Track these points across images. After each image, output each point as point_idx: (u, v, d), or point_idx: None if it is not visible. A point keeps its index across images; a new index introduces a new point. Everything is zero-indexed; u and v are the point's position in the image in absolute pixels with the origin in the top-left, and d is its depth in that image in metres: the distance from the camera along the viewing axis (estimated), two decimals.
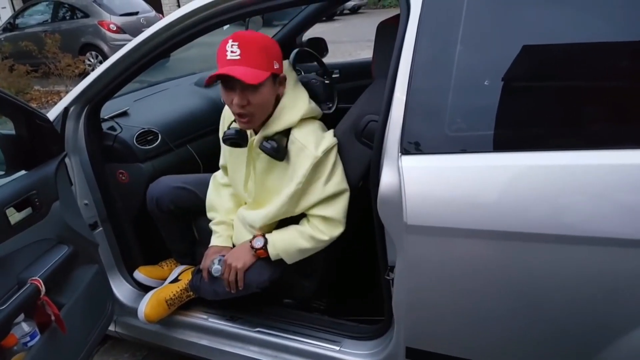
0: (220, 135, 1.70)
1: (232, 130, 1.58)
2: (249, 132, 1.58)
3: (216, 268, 1.63)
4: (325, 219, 1.53)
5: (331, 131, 1.60)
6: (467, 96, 1.18)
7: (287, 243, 1.58)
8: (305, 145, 1.49)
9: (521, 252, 1.13)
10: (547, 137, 1.13)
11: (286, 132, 1.53)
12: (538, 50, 1.15)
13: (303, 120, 1.54)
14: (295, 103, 1.54)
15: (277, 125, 1.51)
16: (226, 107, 1.71)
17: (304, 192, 1.51)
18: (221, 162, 1.82)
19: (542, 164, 1.09)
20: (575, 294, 1.13)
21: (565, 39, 1.14)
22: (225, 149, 1.74)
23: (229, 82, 1.42)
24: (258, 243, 1.59)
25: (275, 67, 1.45)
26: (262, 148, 1.51)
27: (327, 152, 1.49)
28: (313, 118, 1.59)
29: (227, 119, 1.70)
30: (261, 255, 1.60)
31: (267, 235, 1.60)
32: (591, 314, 1.14)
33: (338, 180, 1.52)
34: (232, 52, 1.38)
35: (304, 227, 1.57)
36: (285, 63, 1.54)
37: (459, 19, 1.16)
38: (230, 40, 1.40)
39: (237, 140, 1.57)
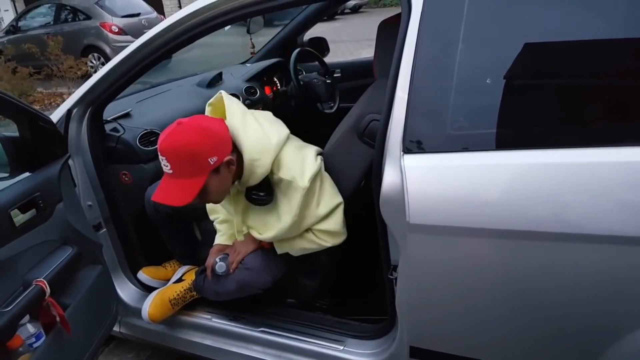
0: None
1: None
2: None
3: (220, 265, 1.64)
4: (326, 232, 1.55)
5: (310, 148, 1.59)
6: (469, 94, 1.18)
7: (290, 242, 1.60)
8: (291, 180, 1.46)
9: (524, 251, 1.13)
10: (549, 134, 1.13)
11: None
12: (539, 48, 1.15)
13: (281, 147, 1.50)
14: (260, 153, 1.45)
15: (253, 179, 1.48)
16: None
17: (302, 218, 1.51)
18: None
19: (544, 162, 1.09)
20: (577, 292, 1.13)
21: (566, 37, 1.14)
22: None
23: None
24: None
25: (211, 163, 1.37)
26: (252, 201, 1.52)
27: (315, 179, 1.49)
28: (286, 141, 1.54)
29: None
30: (265, 246, 1.64)
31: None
32: (594, 312, 1.13)
33: (328, 199, 1.53)
34: (164, 165, 1.39)
35: (308, 233, 1.58)
36: (227, 100, 1.51)
37: (461, 17, 1.16)
38: (159, 154, 1.38)
39: None
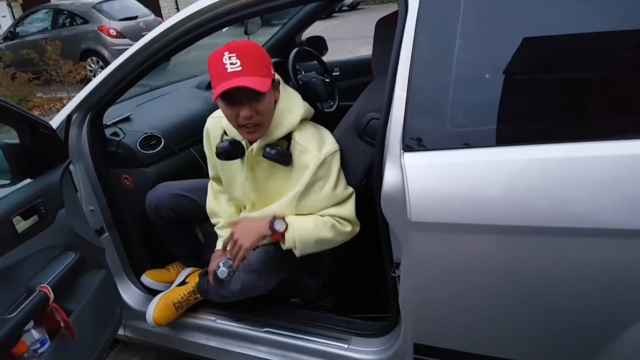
0: (207, 150, 1.69)
1: (225, 142, 1.54)
2: (244, 142, 1.55)
3: (222, 271, 1.63)
4: (343, 218, 1.54)
5: (329, 133, 1.59)
6: (467, 91, 1.18)
7: (308, 230, 1.51)
8: (308, 148, 1.49)
9: (526, 246, 1.13)
10: (549, 129, 1.13)
11: (286, 137, 1.52)
12: (537, 43, 1.15)
13: (301, 121, 1.53)
14: (292, 105, 1.53)
15: (279, 131, 1.50)
16: (209, 122, 1.69)
17: (308, 194, 1.51)
18: (211, 174, 1.80)
19: (545, 157, 1.09)
20: (580, 286, 1.13)
21: (563, 31, 1.14)
22: (216, 162, 1.69)
23: (232, 95, 1.39)
24: (279, 226, 1.51)
25: (272, 72, 1.44)
26: (267, 155, 1.49)
27: (331, 156, 1.49)
28: (306, 119, 1.58)
29: (212, 134, 1.67)
30: (273, 240, 1.55)
31: (288, 219, 1.53)
32: (596, 306, 1.13)
33: (343, 188, 1.54)
34: (231, 63, 1.35)
35: (325, 217, 1.53)
36: None
37: (458, 13, 1.16)
38: (226, 53, 1.36)
39: (232, 152, 1.54)
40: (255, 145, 1.52)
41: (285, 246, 1.53)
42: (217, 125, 1.63)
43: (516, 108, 1.16)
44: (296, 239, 1.51)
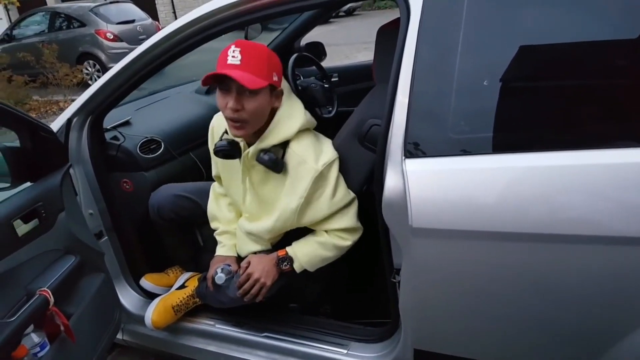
0: (211, 147, 1.69)
1: (223, 141, 1.55)
2: (242, 143, 1.56)
3: (219, 277, 1.63)
4: (343, 230, 1.55)
5: (330, 143, 1.60)
6: (469, 98, 1.19)
7: (310, 257, 1.59)
8: (305, 160, 1.49)
9: (526, 253, 1.14)
10: (549, 137, 1.14)
11: (283, 145, 1.52)
12: (539, 52, 1.17)
13: (300, 132, 1.52)
14: (292, 114, 1.53)
15: (274, 137, 1.50)
16: (215, 119, 1.70)
17: (309, 205, 1.52)
18: (214, 172, 1.81)
19: (545, 165, 1.10)
20: (579, 292, 1.14)
21: (564, 40, 1.15)
22: (217, 161, 1.71)
23: (225, 84, 1.41)
24: (285, 265, 1.61)
25: (274, 79, 1.44)
26: (260, 160, 1.49)
27: (328, 166, 1.49)
28: (308, 129, 1.58)
29: (216, 131, 1.68)
30: (286, 271, 1.62)
31: (289, 251, 1.61)
32: (597, 312, 1.14)
33: (344, 193, 1.54)
34: (232, 56, 1.38)
35: (324, 237, 1.58)
36: None
37: (460, 20, 1.17)
38: (232, 46, 1.40)
39: (230, 151, 1.55)
40: (251, 149, 1.53)
41: (298, 270, 1.62)
42: (222, 124, 1.64)
43: (518, 115, 1.17)
44: (304, 265, 1.60)
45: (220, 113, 1.68)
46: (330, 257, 1.60)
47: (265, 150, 1.50)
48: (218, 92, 1.45)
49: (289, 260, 1.60)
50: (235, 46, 1.40)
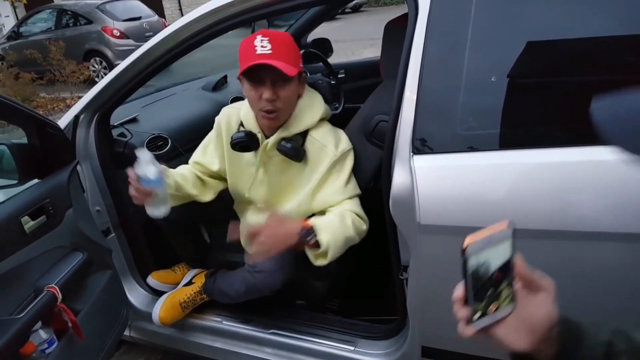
0: (215, 138, 1.68)
1: (241, 133, 1.55)
2: (259, 135, 1.56)
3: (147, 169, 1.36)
4: (357, 214, 1.52)
5: (345, 134, 1.59)
6: (478, 94, 1.18)
7: (336, 230, 1.39)
8: (325, 145, 1.51)
9: (534, 250, 1.12)
10: (559, 133, 1.13)
11: (302, 134, 1.53)
12: (548, 47, 1.15)
13: (319, 121, 1.55)
14: (313, 103, 1.56)
15: (298, 126, 1.52)
16: (223, 113, 1.68)
17: (322, 188, 1.52)
18: (198, 158, 1.72)
19: (554, 161, 1.09)
20: (587, 289, 1.12)
21: (574, 35, 1.14)
22: (224, 152, 1.67)
23: (257, 75, 1.41)
24: (309, 238, 1.35)
25: (301, 65, 1.46)
26: (281, 149, 1.50)
27: (346, 154, 1.51)
28: (325, 119, 1.60)
29: (227, 123, 1.64)
30: (300, 248, 1.38)
31: (314, 224, 1.37)
32: (606, 310, 1.13)
33: (355, 185, 1.55)
34: (262, 46, 1.38)
35: (342, 212, 1.45)
36: None
37: (468, 16, 1.16)
38: (259, 36, 1.39)
39: (247, 143, 1.55)
40: (271, 139, 1.53)
41: (318, 252, 1.38)
42: (234, 116, 1.63)
43: (527, 111, 1.15)
44: (330, 241, 1.36)
45: (229, 107, 1.67)
46: (351, 235, 1.42)
47: (286, 139, 1.51)
48: (247, 84, 1.44)
49: (313, 234, 1.35)
50: (263, 36, 1.39)
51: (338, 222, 1.42)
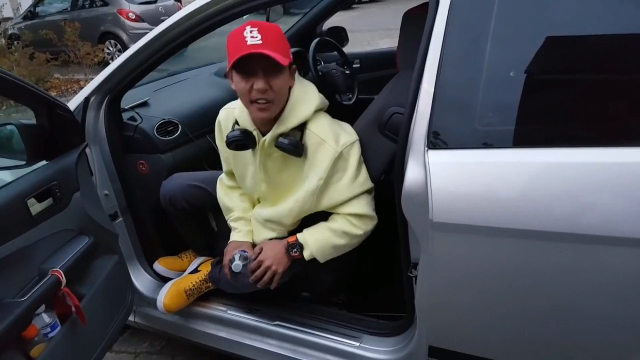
0: (219, 142, 1.65)
1: (236, 131, 1.51)
2: (255, 133, 1.51)
3: (236, 264, 1.59)
4: (357, 215, 1.50)
5: (349, 126, 1.56)
6: (499, 89, 1.13)
7: (321, 244, 1.53)
8: (324, 140, 1.45)
9: (549, 252, 1.09)
10: (581, 132, 1.08)
11: (299, 127, 1.48)
12: (573, 43, 1.11)
13: (316, 112, 1.50)
14: (307, 95, 1.50)
15: (292, 119, 1.46)
16: (221, 114, 1.65)
17: (328, 187, 1.48)
18: (225, 168, 1.75)
19: (575, 161, 1.05)
20: (600, 295, 1.09)
21: (599, 32, 1.10)
22: (228, 155, 1.65)
23: (248, 66, 1.37)
24: (294, 251, 1.54)
25: (290, 57, 1.41)
26: (279, 145, 1.45)
27: (348, 148, 1.46)
28: (322, 110, 1.55)
29: (223, 125, 1.63)
30: (296, 258, 1.56)
31: (299, 238, 1.55)
32: (617, 316, 1.10)
33: (363, 180, 1.50)
34: (252, 37, 1.34)
35: (336, 223, 1.52)
36: None
37: (492, 7, 1.11)
38: (248, 27, 1.35)
39: (244, 141, 1.51)
40: (268, 136, 1.48)
41: (306, 259, 1.55)
42: (229, 116, 1.59)
43: (549, 109, 1.11)
44: (313, 253, 1.54)
45: (227, 107, 1.64)
46: (341, 245, 1.52)
47: (283, 135, 1.46)
48: (236, 76, 1.40)
49: (299, 246, 1.54)
50: (251, 26, 1.35)
51: (327, 231, 1.53)
